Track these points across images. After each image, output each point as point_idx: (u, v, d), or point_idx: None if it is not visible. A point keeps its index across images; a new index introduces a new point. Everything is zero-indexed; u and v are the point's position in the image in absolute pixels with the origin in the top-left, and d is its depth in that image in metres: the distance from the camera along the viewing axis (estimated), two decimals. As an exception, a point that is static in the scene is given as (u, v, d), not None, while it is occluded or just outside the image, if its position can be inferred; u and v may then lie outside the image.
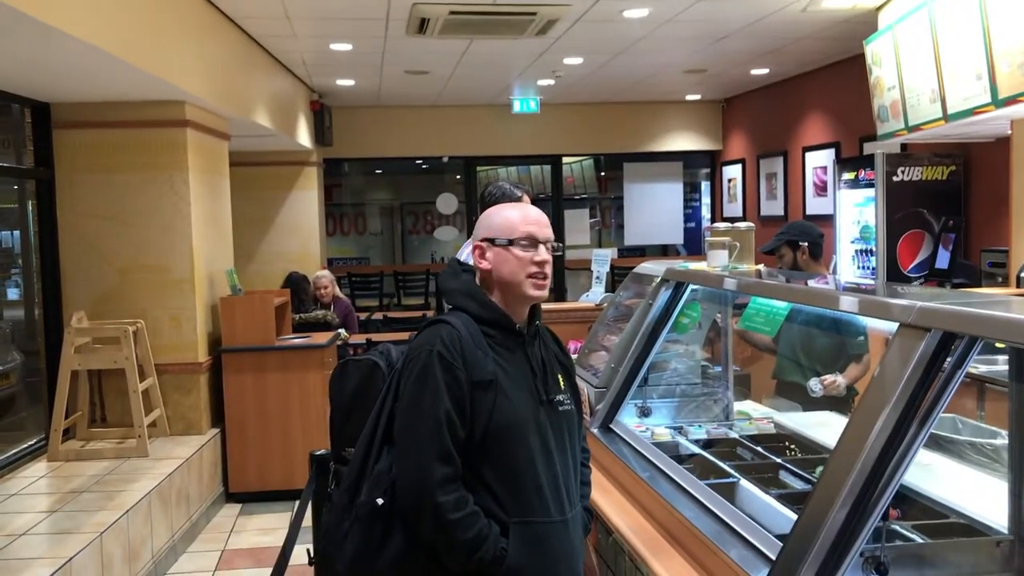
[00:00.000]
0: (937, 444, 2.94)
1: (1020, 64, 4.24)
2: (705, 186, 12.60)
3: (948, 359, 1.95)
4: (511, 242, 2.19)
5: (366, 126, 11.01)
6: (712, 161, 11.93)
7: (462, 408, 2.07)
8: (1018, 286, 4.79)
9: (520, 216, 2.23)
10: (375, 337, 7.86)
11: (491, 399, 2.09)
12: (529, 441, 2.12)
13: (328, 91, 9.71)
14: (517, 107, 10.52)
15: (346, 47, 7.36)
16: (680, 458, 3.16)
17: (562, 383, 2.27)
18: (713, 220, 11.85)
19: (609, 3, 6.09)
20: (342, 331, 7.40)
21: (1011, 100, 4.35)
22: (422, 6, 6.03)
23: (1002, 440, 2.75)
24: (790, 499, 2.62)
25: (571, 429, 2.26)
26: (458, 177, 12.79)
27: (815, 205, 8.99)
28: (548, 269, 2.21)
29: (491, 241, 2.21)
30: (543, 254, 2.19)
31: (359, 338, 7.81)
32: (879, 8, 6.19)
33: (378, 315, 10.27)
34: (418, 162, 13.58)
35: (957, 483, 2.67)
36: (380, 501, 2.10)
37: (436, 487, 2.02)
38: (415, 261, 14.72)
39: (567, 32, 6.96)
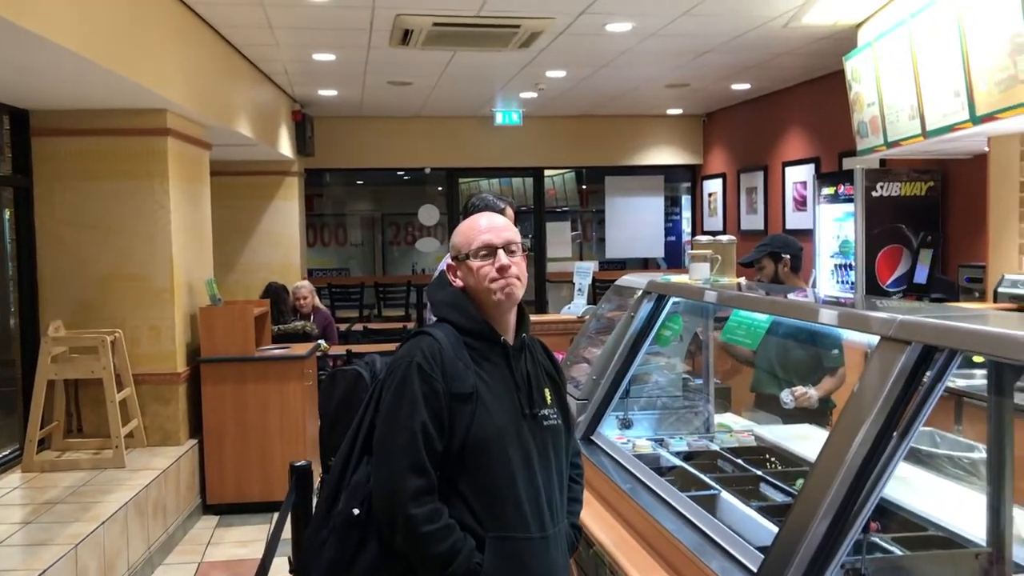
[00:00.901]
0: (915, 457, 2.96)
1: (997, 82, 4.29)
2: (686, 200, 12.66)
3: (928, 372, 1.97)
4: (468, 256, 2.20)
5: (348, 136, 10.99)
6: (693, 175, 11.99)
7: (440, 420, 2.07)
8: (995, 301, 4.83)
9: (474, 228, 2.23)
10: (355, 348, 7.83)
11: (470, 411, 2.08)
12: (509, 455, 2.10)
13: (310, 101, 9.70)
14: (500, 119, 10.55)
15: (329, 57, 7.36)
16: (661, 470, 3.16)
17: (549, 397, 2.25)
18: (693, 234, 11.90)
19: (592, 17, 6.12)
20: (321, 342, 7.37)
21: (988, 117, 4.40)
22: (405, 17, 6.04)
23: (979, 454, 2.77)
24: (771, 511, 2.63)
25: (557, 444, 2.23)
26: (440, 188, 12.79)
27: (795, 220, 9.05)
28: (514, 271, 2.19)
29: (456, 258, 2.24)
30: (503, 259, 2.18)
31: (339, 349, 7.77)
32: (859, 25, 6.26)
33: (358, 326, 10.23)
34: (400, 173, 13.57)
35: (935, 496, 2.68)
36: (356, 511, 2.09)
37: (409, 499, 2.01)
38: (396, 272, 14.69)
39: (550, 45, 6.99)
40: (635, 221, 12.09)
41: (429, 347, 2.13)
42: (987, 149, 5.40)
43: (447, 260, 2.30)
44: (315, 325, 7.77)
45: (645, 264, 12.61)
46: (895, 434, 1.95)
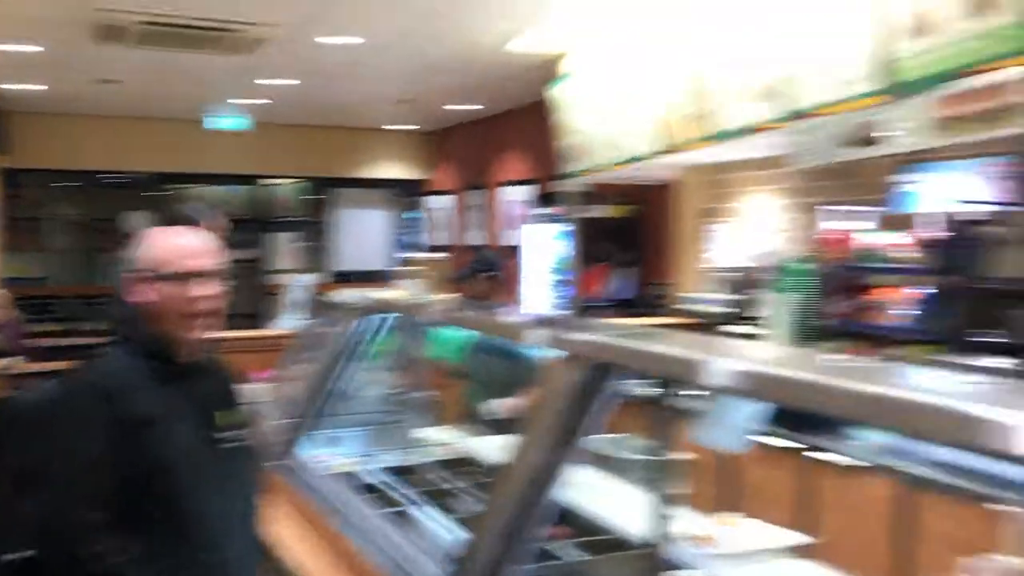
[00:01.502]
0: (602, 463, 3.18)
1: (683, 115, 4.73)
2: (414, 215, 12.82)
3: (602, 385, 2.13)
4: (161, 277, 2.01)
5: (53, 134, 10.14)
6: (422, 190, 12.18)
7: (117, 447, 1.95)
8: (678, 316, 5.31)
9: (171, 246, 2.06)
10: (50, 366, 7.19)
11: (150, 435, 1.98)
12: (191, 478, 2.03)
13: (7, 95, 8.83)
14: (222, 124, 10.18)
15: (24, 49, 6.75)
16: (363, 488, 3.17)
17: (232, 418, 2.18)
18: (427, 249, 12.08)
19: (315, 26, 6.08)
20: (10, 359, 6.69)
21: (673, 149, 4.85)
22: (108, 13, 5.67)
23: (656, 457, 3.02)
24: (467, 522, 2.71)
25: (241, 465, 2.18)
26: (153, 194, 12.07)
27: (513, 237, 9.44)
28: (210, 304, 2.04)
29: (141, 272, 2.04)
30: (200, 290, 2.03)
31: (32, 367, 7.10)
32: (562, 56, 6.62)
33: (56, 341, 9.41)
34: (110, 176, 12.65)
35: (620, 500, 2.89)
36: (28, 553, 1.93)
37: (90, 533, 1.90)
38: (104, 283, 13.63)
39: (275, 53, 6.83)
40: (364, 234, 12.13)
41: (104, 369, 2.02)
42: (674, 178, 5.94)
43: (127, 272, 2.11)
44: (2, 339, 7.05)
45: (373, 277, 12.59)
46: (570, 443, 2.09)
